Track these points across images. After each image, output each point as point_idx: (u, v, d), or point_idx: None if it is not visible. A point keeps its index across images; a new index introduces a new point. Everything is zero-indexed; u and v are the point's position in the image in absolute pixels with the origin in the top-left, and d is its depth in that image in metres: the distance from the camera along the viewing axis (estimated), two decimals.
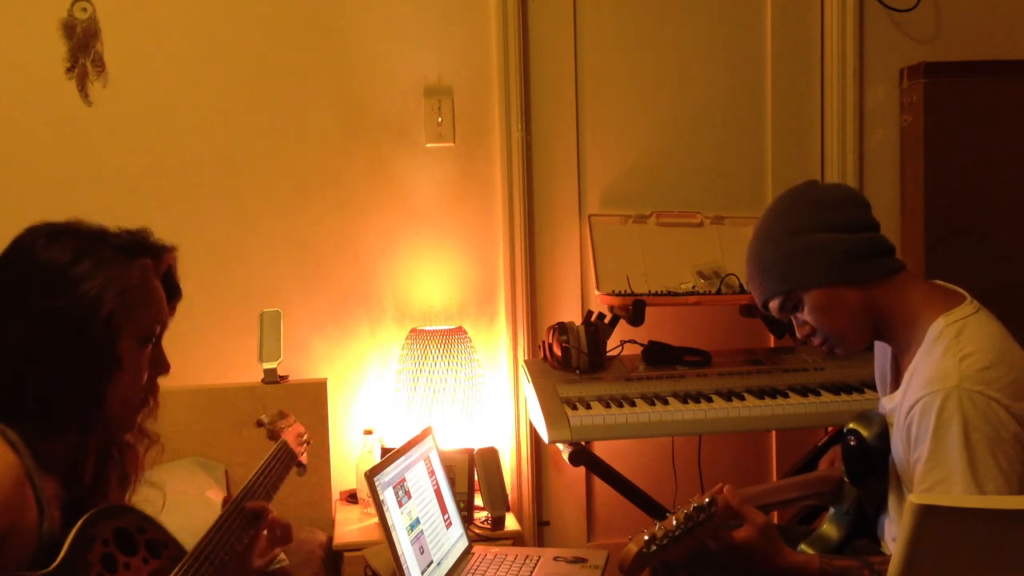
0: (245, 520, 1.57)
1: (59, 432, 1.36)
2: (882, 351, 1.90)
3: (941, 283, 1.80)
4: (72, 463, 1.39)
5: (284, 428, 1.88)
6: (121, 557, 1.34)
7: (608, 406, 2.43)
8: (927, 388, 1.61)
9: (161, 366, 1.48)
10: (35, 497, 1.30)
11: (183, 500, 2.32)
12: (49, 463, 1.35)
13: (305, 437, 1.92)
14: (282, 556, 2.33)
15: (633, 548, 1.54)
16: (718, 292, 2.69)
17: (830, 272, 1.75)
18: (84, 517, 1.32)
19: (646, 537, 1.55)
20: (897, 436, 1.72)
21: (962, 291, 1.75)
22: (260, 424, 1.89)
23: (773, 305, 1.82)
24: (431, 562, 2.02)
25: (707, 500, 1.62)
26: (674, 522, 1.58)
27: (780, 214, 1.82)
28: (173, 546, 1.45)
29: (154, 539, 1.41)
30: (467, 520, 2.49)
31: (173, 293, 1.52)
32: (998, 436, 1.56)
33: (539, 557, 2.20)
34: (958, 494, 1.55)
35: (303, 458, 1.88)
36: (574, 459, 2.39)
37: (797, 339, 1.90)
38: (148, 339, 1.44)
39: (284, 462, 1.78)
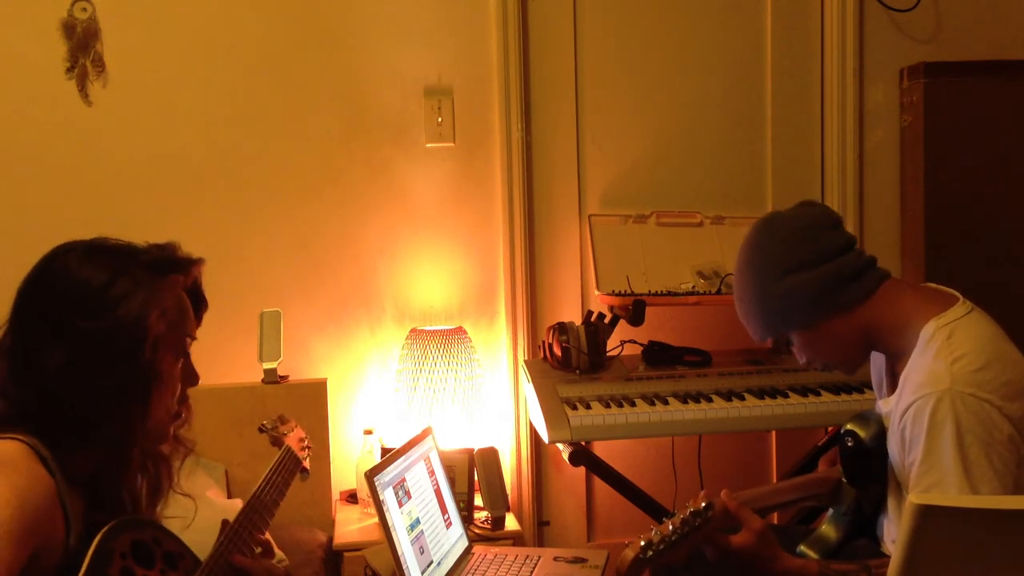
0: (253, 526, 1.57)
1: (93, 448, 1.38)
2: (878, 355, 1.90)
3: (933, 285, 1.80)
4: (98, 477, 1.40)
5: (286, 433, 1.88)
6: (139, 570, 1.35)
7: (608, 406, 2.43)
8: (920, 391, 1.61)
9: (191, 378, 1.50)
10: (63, 512, 1.32)
11: (183, 501, 2.32)
12: (76, 478, 1.36)
13: (306, 442, 1.92)
14: (282, 556, 2.33)
15: (630, 554, 1.54)
16: (718, 292, 2.69)
17: (806, 313, 1.76)
18: (102, 531, 1.32)
19: (643, 543, 1.55)
20: (893, 440, 1.72)
21: (955, 292, 1.75)
22: (262, 430, 1.89)
23: (768, 343, 1.84)
24: (431, 562, 2.02)
25: (704, 505, 1.62)
26: (671, 527, 1.57)
27: (748, 262, 1.82)
28: (189, 557, 1.45)
29: (171, 551, 1.42)
30: (467, 520, 2.49)
31: (199, 303, 1.53)
32: (991, 438, 1.56)
33: (539, 557, 2.20)
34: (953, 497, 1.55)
35: (306, 463, 1.88)
36: (574, 459, 2.39)
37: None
38: (181, 353, 1.47)
39: (289, 468, 1.78)
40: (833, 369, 1.85)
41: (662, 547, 1.55)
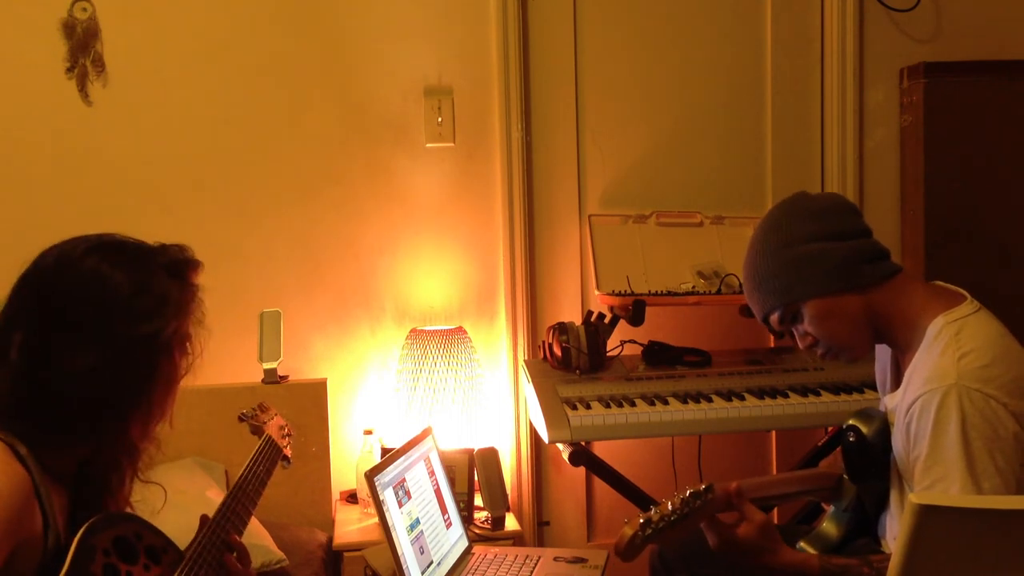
0: (236, 516, 1.57)
1: (82, 446, 1.37)
2: (883, 351, 1.90)
3: (941, 284, 1.81)
4: (84, 475, 1.39)
5: (266, 421, 1.88)
6: (123, 566, 1.34)
7: (608, 406, 2.43)
8: (926, 386, 1.61)
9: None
10: (41, 510, 1.31)
11: (183, 500, 2.32)
12: (58, 475, 1.35)
13: (287, 429, 1.92)
14: (282, 556, 2.32)
15: (628, 531, 1.54)
16: (718, 292, 2.69)
17: (826, 281, 1.75)
18: (83, 528, 1.32)
19: (641, 521, 1.54)
20: (898, 434, 1.72)
21: (962, 291, 1.76)
22: (243, 418, 1.89)
23: (773, 319, 1.83)
24: (431, 562, 2.02)
25: (703, 487, 1.62)
26: (670, 506, 1.57)
27: (772, 227, 1.82)
28: (172, 551, 1.45)
29: (153, 545, 1.41)
30: (467, 520, 2.49)
31: None
32: (996, 435, 1.56)
33: (539, 557, 2.20)
34: (956, 492, 1.55)
35: (287, 451, 1.88)
36: (574, 459, 2.39)
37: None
38: (186, 354, 1.49)
39: (270, 457, 1.78)
40: (835, 356, 1.81)
41: (661, 525, 1.55)
